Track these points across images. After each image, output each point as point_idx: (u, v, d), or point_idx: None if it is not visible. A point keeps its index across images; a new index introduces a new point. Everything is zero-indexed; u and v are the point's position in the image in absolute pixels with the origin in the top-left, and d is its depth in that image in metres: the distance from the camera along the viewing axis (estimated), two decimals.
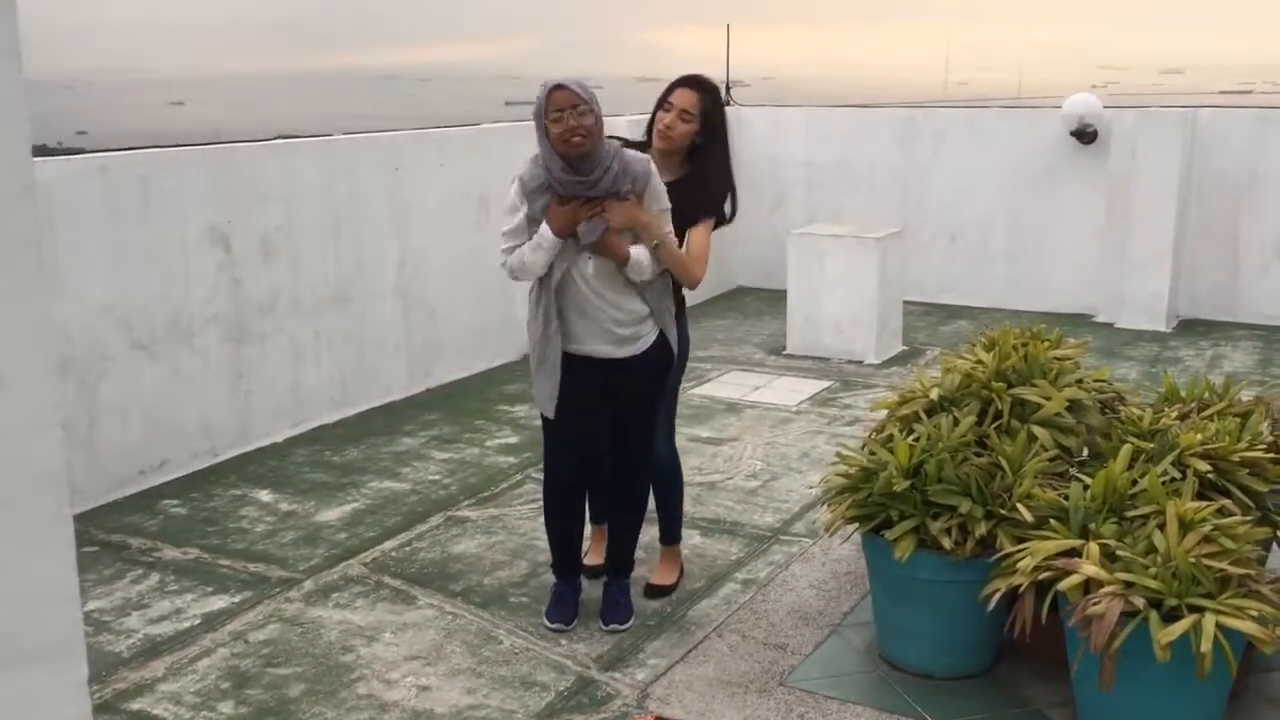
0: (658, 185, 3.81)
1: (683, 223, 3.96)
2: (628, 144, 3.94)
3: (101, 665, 3.84)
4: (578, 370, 3.86)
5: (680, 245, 3.92)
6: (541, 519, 4.31)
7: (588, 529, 4.40)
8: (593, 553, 4.47)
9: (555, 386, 3.86)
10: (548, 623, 4.07)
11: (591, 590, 4.26)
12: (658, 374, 3.97)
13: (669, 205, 3.84)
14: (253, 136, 6.89)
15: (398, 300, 6.86)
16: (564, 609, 4.09)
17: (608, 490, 4.21)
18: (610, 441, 4.04)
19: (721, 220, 4.15)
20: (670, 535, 4.44)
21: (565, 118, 3.62)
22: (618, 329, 3.84)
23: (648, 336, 3.90)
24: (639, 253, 3.77)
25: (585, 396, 3.89)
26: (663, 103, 4.06)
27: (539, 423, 4.12)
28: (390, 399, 6.81)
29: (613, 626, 4.06)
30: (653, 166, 3.82)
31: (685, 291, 4.13)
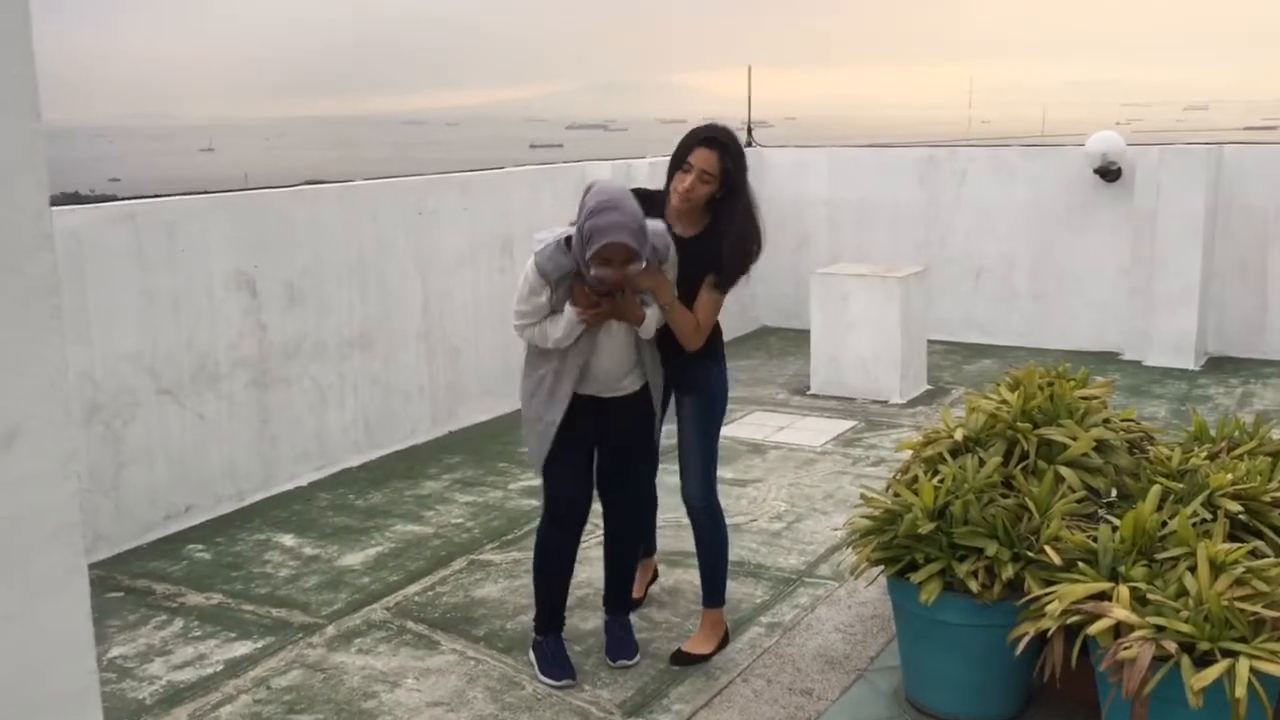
0: (674, 256, 3.81)
1: (697, 279, 3.87)
2: (647, 194, 3.87)
3: (124, 712, 3.84)
4: (572, 408, 3.83)
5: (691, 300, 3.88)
6: None
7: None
8: (639, 586, 4.47)
9: (548, 445, 3.84)
10: (554, 681, 3.93)
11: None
12: (642, 410, 3.96)
13: (677, 273, 3.84)
14: (281, 181, 6.96)
15: (421, 344, 6.88)
16: (564, 663, 3.99)
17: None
18: (605, 484, 4.04)
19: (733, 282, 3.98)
20: (711, 597, 4.16)
21: (612, 272, 3.59)
22: (614, 381, 3.88)
23: (634, 383, 3.93)
24: (652, 314, 3.81)
25: (580, 434, 3.89)
26: (681, 162, 3.84)
27: None
28: (414, 442, 6.82)
29: (621, 663, 4.04)
30: (671, 241, 3.79)
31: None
